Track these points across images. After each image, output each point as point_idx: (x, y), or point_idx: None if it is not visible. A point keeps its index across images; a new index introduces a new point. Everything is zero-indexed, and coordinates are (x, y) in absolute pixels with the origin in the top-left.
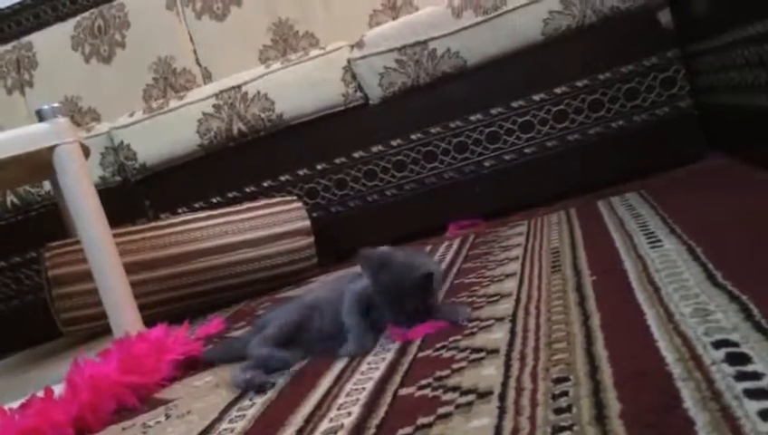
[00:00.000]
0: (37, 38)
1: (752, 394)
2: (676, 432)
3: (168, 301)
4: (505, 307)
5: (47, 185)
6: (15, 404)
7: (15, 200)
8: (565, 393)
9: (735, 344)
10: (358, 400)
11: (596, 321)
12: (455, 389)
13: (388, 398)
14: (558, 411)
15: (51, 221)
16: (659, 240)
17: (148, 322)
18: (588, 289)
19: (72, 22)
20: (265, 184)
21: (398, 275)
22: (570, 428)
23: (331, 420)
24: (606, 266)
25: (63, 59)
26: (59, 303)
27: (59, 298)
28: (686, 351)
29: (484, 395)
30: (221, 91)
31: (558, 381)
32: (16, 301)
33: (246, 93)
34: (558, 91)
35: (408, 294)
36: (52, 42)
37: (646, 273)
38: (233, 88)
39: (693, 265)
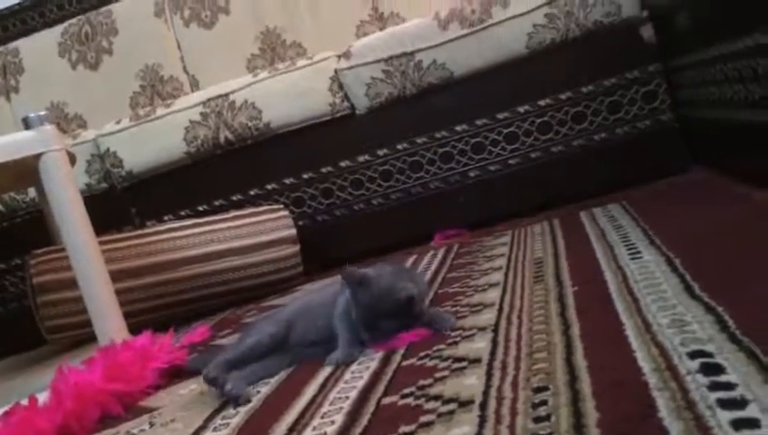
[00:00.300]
0: (24, 44)
1: (724, 404)
2: None
3: (153, 309)
4: (488, 317)
5: (32, 192)
6: None
7: (0, 207)
8: (544, 402)
9: (710, 355)
10: (341, 408)
11: (576, 331)
12: (437, 398)
13: (371, 407)
14: (537, 420)
15: (36, 228)
16: (639, 252)
17: (134, 329)
18: (569, 299)
19: (59, 28)
20: (252, 192)
21: (377, 296)
22: None
23: (315, 428)
24: (587, 277)
25: (50, 65)
26: (44, 310)
27: (44, 306)
28: (662, 361)
29: (465, 404)
30: (208, 100)
31: (538, 390)
32: (0, 308)
33: (234, 102)
34: (542, 103)
35: (385, 315)
36: (38, 48)
37: (625, 284)
38: (220, 96)
39: (671, 276)
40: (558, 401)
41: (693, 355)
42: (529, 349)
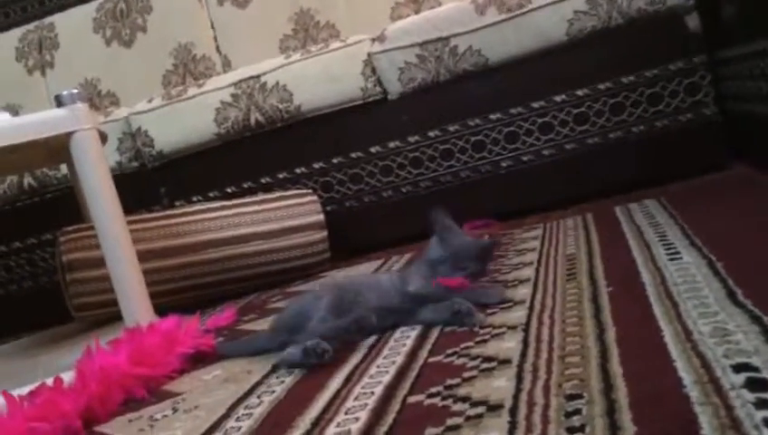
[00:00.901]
0: (60, 19)
1: None
2: None
3: (179, 290)
4: (519, 315)
5: (64, 168)
6: (24, 389)
7: (32, 182)
8: (578, 411)
9: (756, 369)
10: (366, 405)
11: (611, 335)
12: (464, 399)
13: (396, 405)
14: (571, 431)
15: (67, 204)
16: (678, 252)
17: (159, 310)
18: (604, 300)
19: (94, 4)
20: (281, 176)
21: (465, 240)
22: None
23: (339, 424)
24: (623, 277)
25: (84, 41)
26: (72, 288)
27: (72, 283)
28: (704, 373)
29: (494, 408)
30: (240, 81)
31: (571, 397)
32: (30, 282)
33: (265, 84)
34: (579, 93)
35: (472, 257)
36: (73, 23)
37: (664, 286)
38: (252, 78)
39: (713, 280)
40: (593, 410)
41: (737, 368)
42: (561, 352)
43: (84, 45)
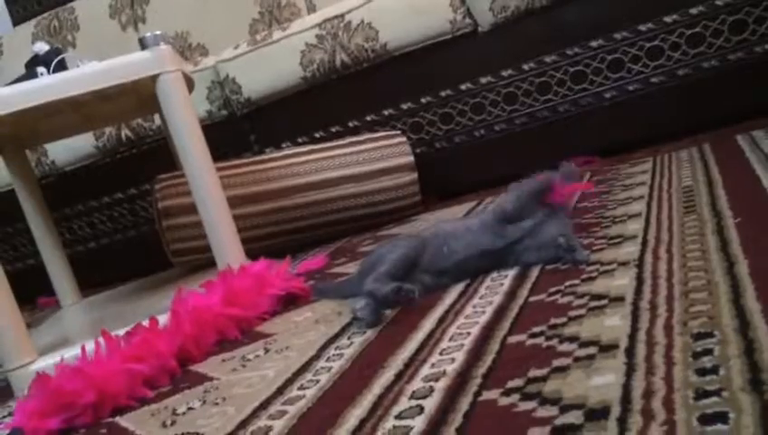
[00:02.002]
0: None
1: None
2: None
3: (270, 235)
4: (630, 250)
5: (159, 119)
6: (122, 331)
7: (130, 134)
8: (709, 352)
9: None
10: (462, 345)
11: (743, 269)
12: (572, 339)
13: (495, 345)
14: (701, 373)
15: (164, 154)
16: None
17: (251, 255)
18: (731, 232)
19: None
20: (368, 118)
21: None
22: (717, 393)
23: (433, 365)
24: (751, 207)
25: None
26: (169, 234)
27: (169, 229)
28: None
29: (607, 348)
30: (324, 21)
31: (699, 336)
32: (133, 231)
33: (350, 23)
34: (694, 11)
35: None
36: None
37: None
38: (336, 17)
39: None
40: (726, 350)
41: None
42: (683, 288)
43: None
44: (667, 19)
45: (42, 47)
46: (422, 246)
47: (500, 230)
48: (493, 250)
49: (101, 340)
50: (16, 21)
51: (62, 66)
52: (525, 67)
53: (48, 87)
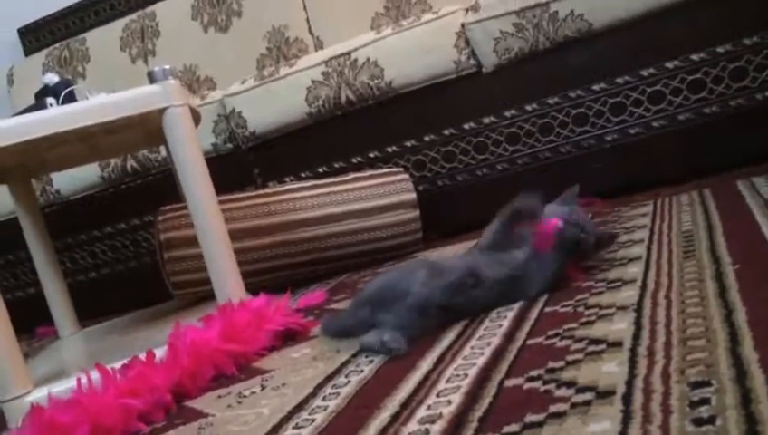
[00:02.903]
0: (160, 8)
1: None
2: None
3: (271, 269)
4: (629, 295)
5: (164, 151)
6: (118, 364)
7: (135, 165)
8: (706, 401)
9: None
10: (459, 387)
11: (741, 316)
12: (569, 384)
13: (492, 388)
14: (698, 423)
15: (168, 186)
16: None
17: (251, 290)
18: (730, 279)
19: None
20: (372, 155)
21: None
22: None
23: (429, 407)
24: (750, 254)
25: (184, 28)
26: (170, 266)
27: (170, 261)
28: None
29: (604, 395)
30: (330, 59)
31: (696, 385)
32: (134, 262)
33: (356, 60)
34: (695, 57)
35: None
36: (174, 11)
37: None
38: (342, 55)
39: None
40: (723, 400)
41: None
42: (682, 335)
43: (183, 33)
44: (669, 65)
45: (52, 78)
46: (434, 270)
47: (493, 260)
48: (499, 279)
49: (97, 373)
50: (28, 51)
51: (71, 97)
52: (528, 108)
53: (56, 118)
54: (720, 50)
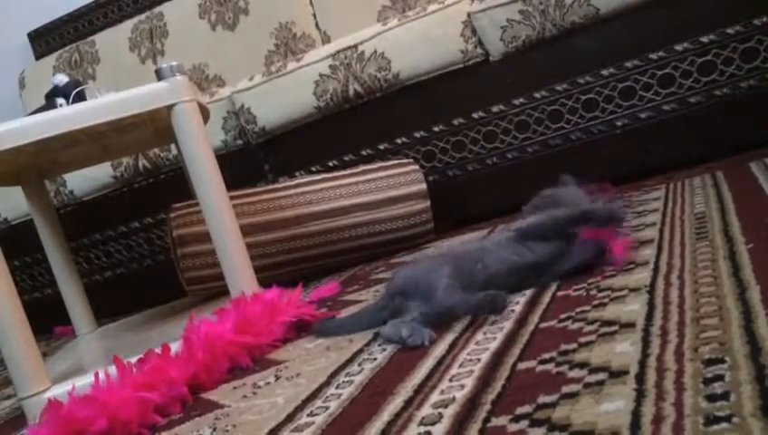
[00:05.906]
0: (168, 8)
1: None
2: None
3: (282, 263)
4: (641, 276)
5: (175, 149)
6: (134, 359)
7: (147, 164)
8: (720, 377)
9: None
10: (472, 371)
11: (755, 294)
12: (582, 365)
13: (505, 371)
14: (711, 398)
15: (180, 184)
16: None
17: (264, 284)
18: (743, 258)
19: None
20: (381, 147)
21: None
22: (728, 419)
23: (443, 392)
24: (764, 233)
25: (192, 27)
26: (183, 262)
27: (183, 258)
28: None
29: (617, 374)
30: (337, 52)
31: (710, 362)
32: (149, 260)
33: (363, 53)
34: (705, 39)
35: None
36: (181, 11)
37: None
38: (349, 48)
39: None
40: (737, 376)
41: None
42: (695, 314)
43: (191, 31)
44: (678, 47)
45: (61, 79)
46: (459, 263)
47: (523, 247)
48: (521, 265)
49: (114, 367)
50: (38, 55)
51: (80, 97)
52: (537, 95)
53: (66, 118)
54: (730, 31)
